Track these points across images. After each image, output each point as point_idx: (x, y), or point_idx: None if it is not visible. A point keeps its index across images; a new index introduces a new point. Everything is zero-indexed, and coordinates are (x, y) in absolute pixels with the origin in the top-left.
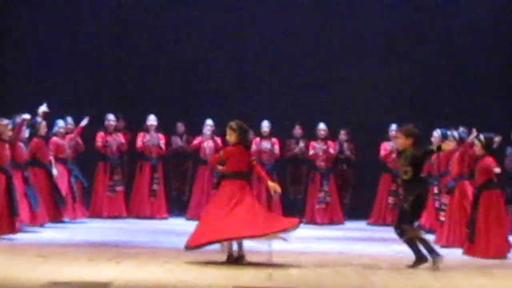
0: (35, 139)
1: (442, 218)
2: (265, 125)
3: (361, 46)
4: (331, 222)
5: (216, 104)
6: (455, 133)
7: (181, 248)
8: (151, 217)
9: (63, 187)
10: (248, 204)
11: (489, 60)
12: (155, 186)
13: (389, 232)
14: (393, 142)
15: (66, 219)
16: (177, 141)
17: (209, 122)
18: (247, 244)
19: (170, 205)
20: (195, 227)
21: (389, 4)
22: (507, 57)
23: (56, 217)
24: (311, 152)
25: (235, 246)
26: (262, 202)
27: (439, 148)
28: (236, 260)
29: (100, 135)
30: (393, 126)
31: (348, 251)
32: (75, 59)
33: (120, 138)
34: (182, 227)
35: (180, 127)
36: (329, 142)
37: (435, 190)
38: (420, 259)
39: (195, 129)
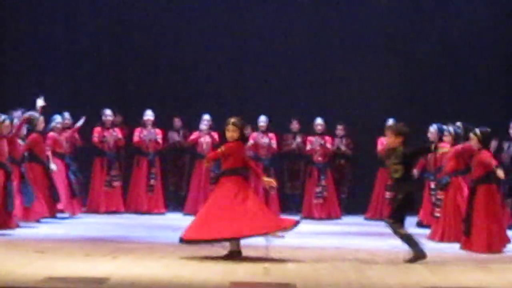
0: (33, 134)
1: (437, 214)
2: (262, 120)
3: (358, 42)
4: (328, 217)
5: (213, 99)
6: (451, 129)
7: (178, 243)
8: (148, 212)
9: (61, 182)
10: (250, 203)
11: (488, 58)
12: (152, 181)
13: (386, 227)
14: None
15: (67, 214)
16: (174, 136)
17: (206, 117)
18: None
19: (167, 200)
20: (193, 221)
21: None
22: (506, 55)
23: (52, 213)
24: (308, 147)
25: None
26: (259, 197)
27: (435, 148)
28: (232, 255)
29: (97, 130)
30: (391, 121)
31: (345, 246)
32: (73, 54)
33: (117, 133)
34: (179, 222)
35: (177, 122)
36: (326, 137)
37: (432, 185)
38: (417, 255)
39: (192, 124)
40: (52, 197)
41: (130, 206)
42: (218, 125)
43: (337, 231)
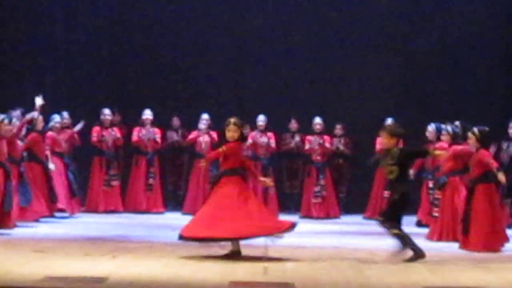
0: (32, 134)
1: (435, 214)
2: (261, 119)
3: (357, 41)
4: (327, 216)
5: (212, 98)
6: (449, 128)
7: (177, 242)
8: (147, 211)
9: (60, 182)
10: (251, 204)
11: (488, 58)
12: (151, 181)
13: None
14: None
15: (67, 213)
16: (173, 136)
17: (205, 116)
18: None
19: (166, 199)
20: (193, 218)
21: None
22: (506, 54)
23: (51, 212)
24: (307, 146)
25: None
26: (258, 197)
27: (432, 153)
28: (233, 255)
29: (95, 130)
30: (389, 121)
31: (344, 245)
32: (72, 54)
33: (116, 132)
34: (178, 222)
35: (176, 121)
36: (325, 136)
37: (430, 185)
38: (416, 254)
39: (191, 124)
40: (50, 197)
41: (129, 205)
42: (217, 125)
43: (336, 231)
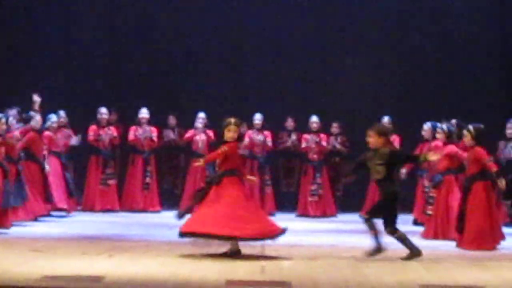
0: (30, 133)
1: (429, 212)
2: (258, 118)
3: (354, 40)
4: (324, 214)
5: (208, 97)
6: (444, 126)
7: (174, 241)
8: (144, 210)
9: (57, 181)
10: (250, 206)
11: (482, 52)
12: (147, 179)
13: (382, 225)
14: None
15: (63, 213)
16: (169, 134)
17: (201, 115)
18: None
19: (163, 198)
20: (193, 215)
21: None
22: (500, 48)
23: (47, 212)
24: (303, 144)
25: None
26: (255, 195)
27: (424, 159)
28: (232, 254)
29: (92, 129)
30: (386, 119)
31: (341, 244)
32: (68, 53)
33: (112, 131)
34: (174, 220)
35: (172, 120)
36: (322, 135)
37: (425, 183)
38: (413, 252)
39: (188, 123)
40: (46, 197)
41: (126, 204)
42: (213, 123)
43: (332, 229)
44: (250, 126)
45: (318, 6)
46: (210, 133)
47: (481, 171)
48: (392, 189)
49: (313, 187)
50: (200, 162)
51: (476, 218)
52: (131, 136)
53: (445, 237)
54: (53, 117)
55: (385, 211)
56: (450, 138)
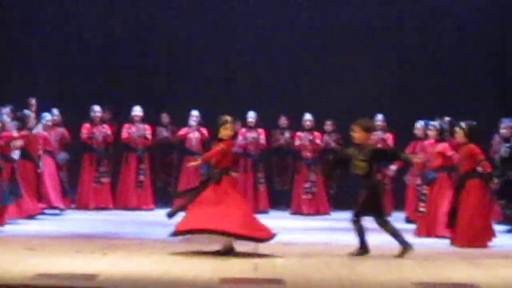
0: (26, 132)
1: (422, 209)
2: (251, 116)
3: (347, 37)
4: (317, 212)
5: (201, 95)
6: (436, 123)
7: (168, 239)
8: (138, 208)
9: (52, 180)
10: (246, 206)
11: (476, 49)
12: (141, 177)
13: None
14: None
15: (58, 211)
16: (163, 132)
17: (194, 113)
18: None
19: (157, 196)
20: (189, 214)
21: None
22: (494, 45)
23: (40, 210)
24: (297, 142)
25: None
26: (249, 193)
27: (407, 159)
28: (224, 252)
29: (85, 127)
30: (379, 117)
31: (334, 242)
32: (62, 51)
33: (106, 129)
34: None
35: (165, 118)
36: (315, 133)
37: (418, 181)
38: (405, 248)
39: (181, 121)
40: (39, 196)
41: (119, 202)
42: (206, 121)
43: (326, 227)
44: (244, 124)
45: (311, 4)
46: (204, 130)
47: (475, 168)
48: (374, 184)
49: (307, 185)
50: (196, 162)
51: (469, 215)
52: (124, 134)
53: (435, 234)
54: (47, 116)
55: (371, 206)
56: (441, 135)
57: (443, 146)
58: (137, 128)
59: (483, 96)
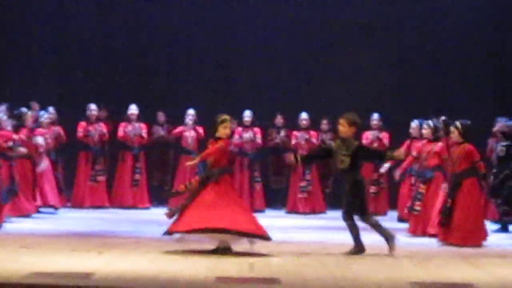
0: (24, 131)
1: (418, 208)
2: (247, 115)
3: (344, 36)
4: (313, 211)
5: (197, 94)
6: (430, 122)
7: (164, 238)
8: (133, 207)
9: (48, 179)
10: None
11: (476, 49)
12: (137, 176)
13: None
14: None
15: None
16: (159, 131)
17: (190, 111)
18: None
19: (152, 195)
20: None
21: None
22: (494, 45)
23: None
24: (293, 141)
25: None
26: (245, 191)
27: (391, 157)
28: (222, 250)
29: (81, 125)
30: (375, 116)
31: (330, 240)
32: (58, 49)
33: (102, 128)
34: (164, 217)
35: (161, 116)
36: (311, 132)
37: (412, 180)
38: (389, 242)
39: (177, 119)
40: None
41: (115, 200)
42: (202, 120)
43: (321, 226)
44: (240, 123)
45: (308, 4)
46: (200, 129)
47: (471, 168)
48: (356, 178)
49: (303, 183)
50: (194, 161)
51: (466, 214)
52: (120, 132)
53: (428, 233)
54: (44, 114)
55: (352, 201)
56: (436, 134)
57: (440, 147)
58: (133, 126)
59: (483, 96)
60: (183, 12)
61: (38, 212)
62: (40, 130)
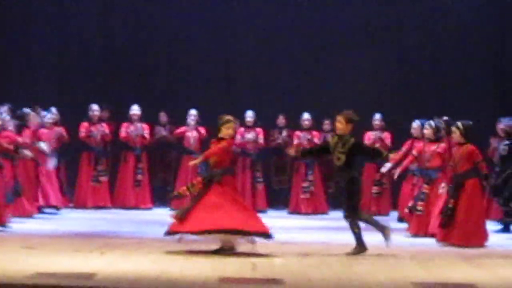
0: (26, 131)
1: (420, 208)
2: (249, 115)
3: (346, 37)
4: (315, 211)
5: (200, 94)
6: (431, 122)
7: (166, 238)
8: (136, 207)
9: (50, 179)
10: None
11: (476, 49)
12: (139, 176)
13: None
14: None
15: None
16: (161, 131)
17: (193, 112)
18: None
19: (155, 195)
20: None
21: None
22: (494, 45)
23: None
24: (295, 142)
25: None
26: (247, 192)
27: (387, 156)
28: (226, 250)
29: (84, 126)
30: (377, 116)
31: (333, 241)
32: (60, 50)
33: (104, 128)
34: (166, 218)
35: (163, 117)
36: (314, 132)
37: (414, 181)
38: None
39: (180, 119)
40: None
41: (117, 201)
42: (204, 120)
43: (324, 226)
44: (242, 123)
45: (311, 3)
46: (202, 130)
47: (473, 168)
48: (351, 175)
49: (305, 184)
50: (196, 161)
51: (468, 215)
52: (122, 133)
53: (428, 233)
54: (47, 115)
55: (349, 197)
56: (437, 134)
57: (442, 147)
58: (135, 127)
59: (483, 96)
60: (183, 12)
61: (40, 212)
62: (43, 130)
